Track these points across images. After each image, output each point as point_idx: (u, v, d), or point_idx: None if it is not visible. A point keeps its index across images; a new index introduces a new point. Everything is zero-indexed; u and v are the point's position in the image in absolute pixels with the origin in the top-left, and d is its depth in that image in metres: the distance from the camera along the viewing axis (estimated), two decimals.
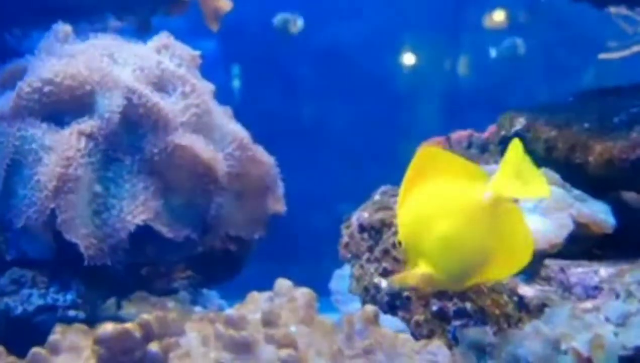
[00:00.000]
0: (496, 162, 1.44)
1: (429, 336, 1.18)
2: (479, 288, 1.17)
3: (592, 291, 1.16)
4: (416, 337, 1.15)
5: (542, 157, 1.38)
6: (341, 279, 1.48)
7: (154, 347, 0.92)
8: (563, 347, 1.02)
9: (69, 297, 1.23)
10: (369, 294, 1.33)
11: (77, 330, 1.06)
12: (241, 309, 1.07)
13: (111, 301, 1.32)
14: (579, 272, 1.19)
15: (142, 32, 1.67)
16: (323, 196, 2.80)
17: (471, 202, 0.96)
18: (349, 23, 3.08)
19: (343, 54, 3.03)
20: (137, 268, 1.37)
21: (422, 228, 1.00)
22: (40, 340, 1.02)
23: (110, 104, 1.23)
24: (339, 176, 2.93)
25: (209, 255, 1.40)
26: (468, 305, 1.18)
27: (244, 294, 1.13)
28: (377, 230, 1.39)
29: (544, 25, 2.99)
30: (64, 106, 1.25)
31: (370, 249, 1.39)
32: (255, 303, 1.09)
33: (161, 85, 1.31)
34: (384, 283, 1.30)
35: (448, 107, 3.07)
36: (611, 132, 1.31)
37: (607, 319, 1.05)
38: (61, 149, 1.19)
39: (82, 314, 1.22)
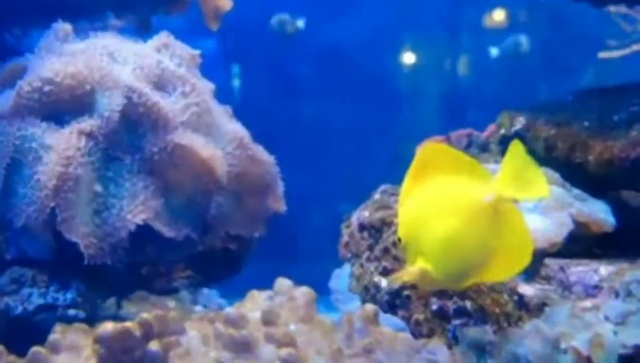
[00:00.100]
0: (496, 162, 1.44)
1: (429, 335, 1.18)
2: (479, 287, 1.18)
3: (592, 290, 1.16)
4: (416, 336, 1.15)
5: (542, 156, 1.38)
6: (341, 278, 1.48)
7: (154, 345, 0.92)
8: (563, 346, 1.02)
9: (69, 296, 1.23)
10: (369, 293, 1.33)
11: (77, 330, 1.06)
12: (241, 308, 1.07)
13: (111, 300, 1.32)
14: (579, 271, 1.19)
15: (142, 31, 1.67)
16: (323, 195, 2.80)
17: (472, 203, 0.96)
18: (349, 22, 3.08)
19: (343, 53, 3.03)
20: (137, 267, 1.37)
21: (422, 227, 1.00)
22: (41, 340, 1.02)
23: (110, 103, 1.23)
24: (339, 175, 2.93)
25: (209, 254, 1.40)
26: (468, 304, 1.18)
27: (244, 293, 1.13)
28: (377, 229, 1.39)
29: (544, 24, 2.99)
30: (64, 105, 1.25)
31: (371, 248, 1.39)
32: (255, 302, 1.09)
33: (161, 84, 1.31)
34: (384, 282, 1.29)
35: (448, 106, 3.07)
36: (611, 131, 1.31)
37: (607, 318, 1.05)
38: (61, 148, 1.19)
39: (82, 313, 1.22)
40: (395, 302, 1.26)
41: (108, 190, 1.22)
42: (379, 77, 3.04)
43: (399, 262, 1.28)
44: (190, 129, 1.27)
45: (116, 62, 1.32)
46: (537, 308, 1.16)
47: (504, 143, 1.51)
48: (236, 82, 3.10)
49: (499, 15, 3.07)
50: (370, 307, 1.05)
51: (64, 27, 1.36)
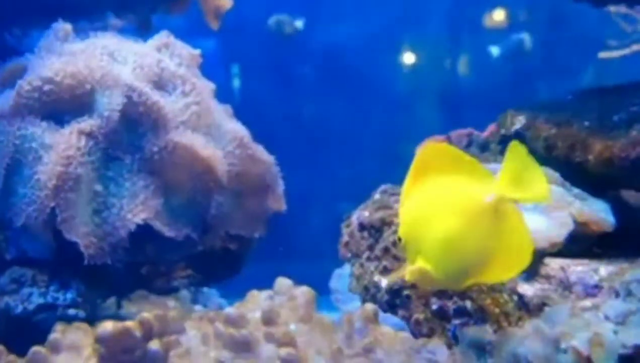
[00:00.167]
0: (496, 161, 1.44)
1: (429, 335, 1.18)
2: (479, 287, 1.18)
3: (592, 290, 1.16)
4: (416, 335, 1.15)
5: (542, 156, 1.38)
6: (341, 278, 1.48)
7: (154, 345, 0.92)
8: (563, 345, 1.02)
9: (69, 295, 1.23)
10: (369, 293, 1.33)
11: (78, 329, 1.06)
12: (241, 308, 1.07)
13: (111, 300, 1.32)
14: (579, 270, 1.19)
15: (143, 30, 1.67)
16: (323, 195, 2.80)
17: (473, 203, 0.96)
18: (349, 22, 3.08)
19: (343, 53, 3.03)
20: (137, 267, 1.37)
21: (422, 226, 1.00)
22: (41, 339, 1.02)
23: (110, 103, 1.23)
24: (339, 175, 2.93)
25: (209, 254, 1.40)
26: (468, 303, 1.18)
27: (244, 293, 1.13)
28: (377, 229, 1.39)
29: (544, 24, 2.99)
30: (64, 105, 1.25)
31: (371, 248, 1.39)
32: (255, 302, 1.09)
33: (161, 83, 1.31)
34: (384, 281, 1.29)
35: (448, 106, 3.06)
36: (611, 131, 1.31)
37: (607, 318, 1.05)
38: (61, 148, 1.19)
39: (82, 313, 1.22)
40: (395, 301, 1.26)
41: (108, 190, 1.22)
42: (379, 77, 3.04)
43: (399, 261, 1.28)
44: (190, 128, 1.27)
45: (116, 61, 1.32)
46: (537, 308, 1.16)
47: (504, 142, 1.51)
48: (236, 82, 3.10)
49: (499, 15, 3.07)
50: (370, 306, 1.05)
51: (64, 27, 1.37)
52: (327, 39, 3.04)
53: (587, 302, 1.11)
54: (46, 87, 1.24)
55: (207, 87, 1.38)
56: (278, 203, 1.42)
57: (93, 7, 1.62)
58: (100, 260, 1.19)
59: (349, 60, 3.03)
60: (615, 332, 1.01)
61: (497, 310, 1.17)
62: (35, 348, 0.99)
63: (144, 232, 1.22)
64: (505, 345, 1.06)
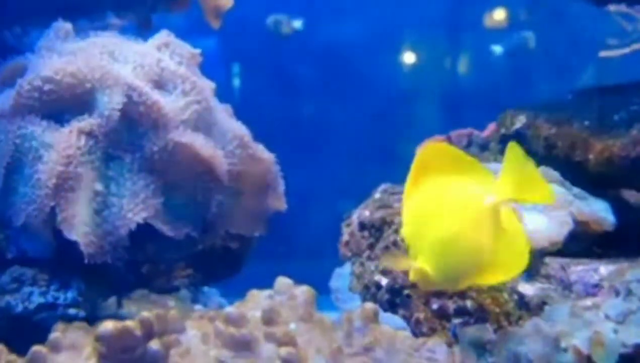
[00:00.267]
0: (496, 161, 1.44)
1: (430, 334, 1.18)
2: (479, 287, 1.18)
3: (592, 289, 1.16)
4: (416, 335, 1.15)
5: (542, 155, 1.38)
6: (341, 277, 1.48)
7: (154, 344, 0.92)
8: (563, 344, 1.02)
9: (70, 295, 1.23)
10: (369, 292, 1.33)
11: (78, 328, 1.06)
12: (241, 307, 1.07)
13: (112, 299, 1.32)
14: (579, 270, 1.19)
15: (143, 30, 1.67)
16: (323, 194, 2.80)
17: (473, 205, 0.96)
18: (350, 21, 3.08)
19: (344, 52, 3.03)
20: (137, 266, 1.37)
21: (423, 227, 1.01)
22: (41, 338, 1.02)
23: (111, 102, 1.23)
24: (339, 174, 2.93)
25: (209, 253, 1.40)
26: (468, 303, 1.18)
27: (245, 292, 1.13)
28: (377, 228, 1.39)
29: (544, 23, 2.99)
30: (64, 104, 1.25)
31: (371, 247, 1.39)
32: (255, 301, 1.09)
33: (161, 83, 1.31)
34: (384, 281, 1.30)
35: (448, 105, 3.07)
36: (611, 130, 1.31)
37: (607, 317, 1.05)
38: (61, 147, 1.19)
39: (82, 312, 1.22)
40: (395, 301, 1.26)
41: (108, 189, 1.22)
42: (380, 76, 3.04)
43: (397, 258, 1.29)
44: (190, 127, 1.27)
45: (116, 60, 1.32)
46: (537, 307, 1.16)
47: (504, 142, 1.50)
48: (237, 81, 3.10)
49: (499, 15, 3.07)
50: (370, 305, 1.05)
51: (64, 26, 1.37)
52: (328, 38, 3.04)
53: (588, 301, 1.11)
54: (46, 86, 1.24)
55: (207, 86, 1.38)
56: (278, 202, 1.42)
57: (93, 7, 1.62)
58: (100, 260, 1.19)
59: (350, 60, 3.03)
60: (616, 331, 1.01)
61: (497, 310, 1.17)
62: (36, 348, 0.99)
63: (144, 231, 1.22)
64: (506, 344, 1.06)
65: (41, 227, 1.19)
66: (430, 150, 1.02)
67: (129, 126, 1.25)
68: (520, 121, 1.46)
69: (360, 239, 1.42)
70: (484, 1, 3.05)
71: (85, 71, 1.26)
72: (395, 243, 1.33)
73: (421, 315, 1.21)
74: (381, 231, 1.38)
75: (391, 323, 1.14)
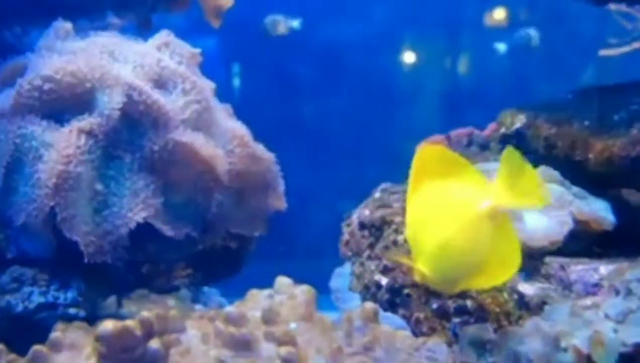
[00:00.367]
0: (496, 160, 1.44)
1: (430, 334, 1.18)
2: (475, 290, 1.18)
3: (592, 288, 1.16)
4: (416, 334, 1.15)
5: (542, 155, 1.38)
6: (341, 277, 1.48)
7: (154, 344, 0.92)
8: (563, 344, 1.02)
9: (70, 295, 1.23)
10: (369, 292, 1.33)
11: (78, 328, 1.06)
12: (241, 307, 1.07)
13: (112, 299, 1.32)
14: (579, 269, 1.19)
15: (143, 29, 1.67)
16: (323, 194, 2.80)
17: (468, 209, 0.98)
18: (350, 21, 3.08)
19: (344, 52, 3.03)
20: (137, 266, 1.37)
21: (422, 230, 1.03)
22: (41, 338, 1.02)
23: (111, 101, 1.23)
24: (339, 174, 2.93)
25: (209, 252, 1.40)
26: (468, 302, 1.18)
27: (245, 292, 1.13)
28: (377, 228, 1.39)
29: (544, 23, 2.99)
30: (64, 103, 1.25)
31: (371, 247, 1.39)
32: (256, 301, 1.09)
33: (161, 82, 1.31)
34: (384, 280, 1.30)
35: (448, 105, 3.07)
36: (611, 130, 1.31)
37: (607, 316, 1.05)
38: (61, 146, 1.19)
39: (82, 312, 1.22)
40: (395, 300, 1.26)
41: (108, 189, 1.22)
42: (380, 76, 3.04)
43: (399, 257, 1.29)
44: (190, 127, 1.27)
45: (116, 60, 1.32)
46: (537, 307, 1.16)
47: (504, 141, 1.51)
48: (237, 81, 3.10)
49: (499, 14, 3.07)
50: (370, 305, 1.05)
51: (64, 25, 1.36)
52: (328, 38, 3.04)
53: (587, 301, 1.11)
54: (46, 86, 1.24)
55: (207, 85, 1.38)
56: (279, 202, 1.42)
57: (93, 6, 1.62)
58: (100, 259, 1.19)
59: (350, 59, 3.03)
60: (616, 331, 1.01)
61: (497, 309, 1.17)
62: (36, 347, 0.99)
63: (145, 230, 1.22)
64: (506, 343, 1.06)
65: (41, 226, 1.19)
66: (428, 154, 1.03)
67: (129, 125, 1.25)
68: (520, 121, 1.46)
69: (361, 239, 1.42)
70: (484, 0, 3.05)
71: (85, 71, 1.26)
72: (395, 243, 1.33)
73: (421, 315, 1.22)
74: (381, 230, 1.38)
75: (391, 322, 1.14)
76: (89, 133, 1.22)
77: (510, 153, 0.96)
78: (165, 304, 1.33)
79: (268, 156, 1.40)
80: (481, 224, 0.96)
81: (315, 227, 2.48)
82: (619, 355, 0.99)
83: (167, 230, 1.25)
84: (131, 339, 0.91)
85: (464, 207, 0.98)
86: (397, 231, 1.35)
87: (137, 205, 1.21)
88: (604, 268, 1.17)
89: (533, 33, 2.94)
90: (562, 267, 1.20)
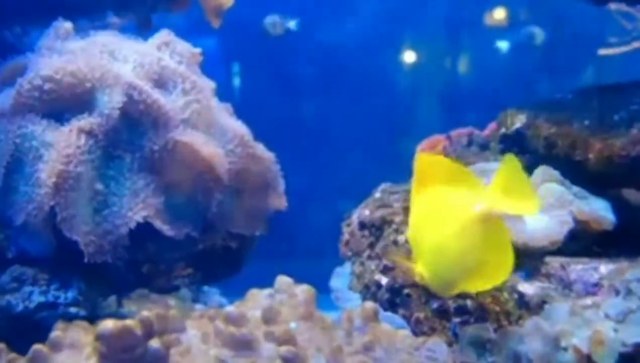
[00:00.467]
0: (496, 160, 1.44)
1: (430, 333, 1.18)
2: (469, 292, 1.18)
3: (592, 288, 1.16)
4: (417, 334, 1.15)
5: (542, 154, 1.38)
6: (342, 277, 1.48)
7: (154, 343, 0.92)
8: (563, 344, 1.02)
9: (70, 294, 1.23)
10: (369, 291, 1.33)
11: (78, 328, 1.06)
12: (241, 306, 1.07)
13: (112, 298, 1.32)
14: (579, 269, 1.19)
15: (143, 29, 1.67)
16: (324, 194, 2.80)
17: (462, 212, 0.99)
18: (350, 21, 3.08)
19: (344, 52, 3.03)
20: (137, 265, 1.37)
21: (420, 233, 1.06)
22: (42, 338, 1.02)
23: (111, 101, 1.23)
24: (339, 174, 2.93)
25: (209, 252, 1.40)
26: (468, 302, 1.18)
27: (245, 291, 1.13)
28: (377, 228, 1.39)
29: (544, 22, 2.99)
30: (64, 103, 1.25)
31: (371, 246, 1.39)
32: (256, 301, 1.09)
33: (161, 82, 1.31)
34: (384, 280, 1.30)
35: (449, 104, 3.07)
36: (611, 129, 1.31)
37: (607, 316, 1.05)
38: (61, 146, 1.19)
39: (83, 312, 1.22)
40: (395, 300, 1.27)
41: (108, 188, 1.22)
42: (380, 75, 3.04)
43: (399, 259, 1.29)
44: (190, 126, 1.27)
45: (116, 60, 1.32)
46: (537, 307, 1.16)
47: (504, 141, 1.51)
48: (237, 81, 3.10)
49: (499, 14, 3.07)
50: (370, 304, 1.05)
51: (64, 25, 1.37)
52: (329, 38, 3.04)
53: (588, 301, 1.11)
54: (46, 86, 1.24)
55: (207, 85, 1.38)
56: (279, 201, 1.42)
57: (93, 6, 1.62)
58: (100, 259, 1.19)
59: (351, 59, 3.03)
60: (616, 330, 1.01)
61: (497, 309, 1.17)
62: (37, 347, 0.99)
63: (145, 230, 1.22)
64: (506, 343, 1.06)
65: (41, 226, 1.19)
66: (430, 161, 1.05)
67: (129, 125, 1.25)
68: (520, 120, 1.46)
69: (361, 238, 1.42)
70: (484, 0, 3.05)
71: (85, 70, 1.26)
72: (395, 242, 1.33)
73: (421, 315, 1.22)
74: (381, 230, 1.38)
75: (391, 322, 1.14)
76: (89, 133, 1.22)
77: (510, 160, 0.97)
78: (165, 304, 1.33)
79: (268, 156, 1.40)
80: (474, 227, 0.98)
81: (315, 226, 2.48)
82: (619, 354, 0.99)
83: (167, 230, 1.25)
84: (131, 339, 0.91)
85: (459, 210, 1.00)
86: (397, 231, 1.35)
87: (137, 205, 1.21)
88: (604, 268, 1.17)
89: (537, 31, 2.94)
90: (562, 267, 1.20)
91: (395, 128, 2.91)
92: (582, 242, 1.26)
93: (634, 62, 1.76)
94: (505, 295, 1.19)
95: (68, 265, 1.23)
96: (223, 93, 1.46)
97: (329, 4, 3.03)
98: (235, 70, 3.09)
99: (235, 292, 1.27)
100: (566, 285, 1.19)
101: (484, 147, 1.62)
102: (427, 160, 1.07)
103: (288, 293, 1.07)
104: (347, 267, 1.47)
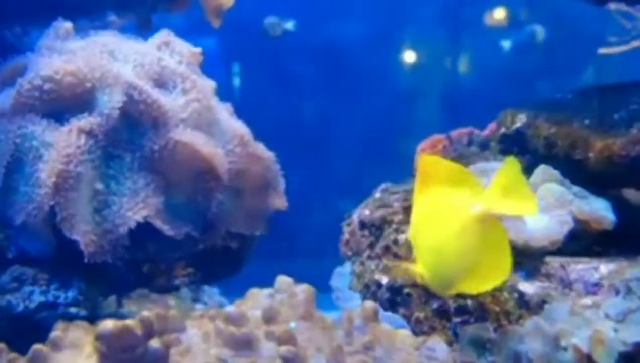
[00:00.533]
0: (496, 160, 1.44)
1: (430, 333, 1.18)
2: (467, 294, 1.18)
3: (592, 288, 1.16)
4: (417, 334, 1.15)
5: (542, 154, 1.38)
6: (342, 276, 1.48)
7: (155, 343, 0.92)
8: (563, 343, 1.02)
9: (70, 294, 1.23)
10: (369, 291, 1.33)
11: (78, 327, 1.07)
12: (241, 306, 1.07)
13: (112, 298, 1.32)
14: (579, 268, 1.19)
15: (143, 29, 1.67)
16: (324, 193, 2.80)
17: (460, 213, 0.99)
18: (351, 20, 3.08)
19: (344, 51, 3.03)
20: (138, 265, 1.37)
21: (421, 233, 1.06)
22: (42, 338, 1.02)
23: (111, 100, 1.23)
24: (340, 174, 2.94)
25: (209, 252, 1.39)
26: (469, 302, 1.18)
27: (245, 291, 1.13)
28: (378, 227, 1.39)
29: (544, 22, 2.99)
30: (64, 103, 1.25)
31: (371, 246, 1.39)
32: (256, 300, 1.09)
33: (161, 81, 1.31)
34: (384, 280, 1.30)
35: (449, 104, 3.07)
36: (611, 129, 1.31)
37: (607, 316, 1.05)
38: (61, 146, 1.19)
39: (83, 311, 1.22)
40: (396, 300, 1.27)
41: (108, 188, 1.22)
42: (380, 75, 3.04)
43: (400, 260, 1.29)
44: (190, 126, 1.27)
45: (116, 59, 1.32)
46: (537, 306, 1.16)
47: (504, 141, 1.51)
48: (237, 80, 3.10)
49: (499, 14, 3.07)
50: (370, 304, 1.05)
51: (64, 25, 1.37)
52: (329, 38, 3.04)
53: (588, 300, 1.11)
54: (46, 86, 1.24)
55: (207, 85, 1.38)
56: (279, 201, 1.42)
57: (93, 6, 1.62)
58: (100, 259, 1.19)
59: (351, 59, 3.03)
60: (616, 330, 1.01)
61: (497, 308, 1.17)
62: (37, 347, 0.99)
63: (145, 230, 1.22)
64: (506, 342, 1.06)
65: (41, 226, 1.19)
66: (427, 163, 1.06)
67: (129, 125, 1.25)
68: (520, 120, 1.46)
69: (361, 238, 1.42)
70: (484, 0, 3.05)
71: (85, 70, 1.26)
72: (395, 242, 1.33)
73: (421, 314, 1.22)
74: (381, 230, 1.38)
75: (391, 322, 1.14)
76: (89, 132, 1.22)
77: (511, 162, 0.97)
78: (165, 303, 1.33)
79: (268, 155, 1.40)
80: (472, 228, 0.98)
81: (315, 226, 2.48)
82: (619, 354, 0.99)
83: (168, 230, 1.25)
84: (131, 338, 0.91)
85: (458, 211, 1.00)
86: (397, 231, 1.35)
87: (137, 205, 1.21)
88: (604, 268, 1.18)
89: (538, 29, 2.94)
90: (563, 266, 1.20)
91: (395, 128, 2.92)
92: (582, 241, 1.26)
93: (634, 61, 1.76)
94: (506, 294, 1.19)
95: (68, 265, 1.23)
96: (223, 93, 1.46)
97: (329, 4, 3.03)
98: (235, 70, 3.09)
99: (236, 292, 1.27)
100: (566, 285, 1.19)
101: (484, 146, 1.62)
102: (429, 161, 1.07)
103: (288, 293, 1.07)
104: (347, 267, 1.47)
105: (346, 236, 1.48)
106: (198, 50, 1.43)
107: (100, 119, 1.23)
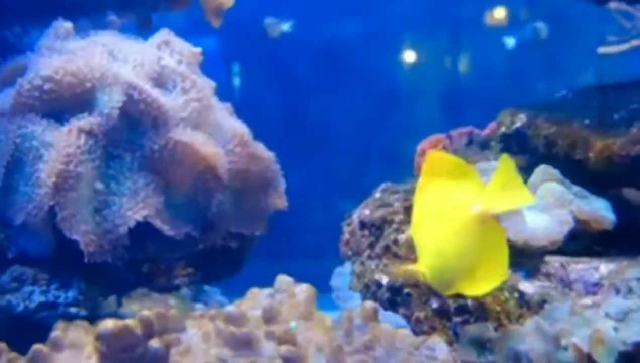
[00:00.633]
0: (496, 159, 1.44)
1: (430, 332, 1.18)
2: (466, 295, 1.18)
3: (592, 287, 1.16)
4: (417, 333, 1.15)
5: (542, 154, 1.38)
6: (342, 276, 1.48)
7: (155, 343, 0.92)
8: (563, 343, 1.02)
9: (70, 294, 1.23)
10: (369, 291, 1.33)
11: (79, 327, 1.06)
12: (241, 306, 1.07)
13: (112, 298, 1.32)
14: (579, 268, 1.19)
15: (143, 29, 1.67)
16: (324, 193, 2.80)
17: (460, 213, 0.99)
18: (350, 20, 3.08)
19: (344, 51, 3.03)
20: (138, 265, 1.37)
21: (422, 232, 1.06)
22: (42, 337, 1.02)
23: (110, 100, 1.23)
24: (340, 173, 2.94)
25: (210, 252, 1.40)
26: (469, 301, 1.18)
27: (245, 291, 1.13)
28: (378, 227, 1.39)
29: (544, 22, 2.99)
30: (64, 103, 1.25)
31: (371, 246, 1.39)
32: (256, 300, 1.09)
33: (161, 81, 1.31)
34: (384, 279, 1.30)
35: (449, 104, 3.07)
36: (611, 129, 1.31)
37: (607, 315, 1.05)
38: (61, 146, 1.19)
39: (83, 311, 1.22)
40: (396, 299, 1.27)
41: (108, 188, 1.22)
42: (380, 75, 3.04)
43: (400, 260, 1.29)
44: (190, 126, 1.27)
45: (116, 59, 1.32)
46: (537, 306, 1.16)
47: (504, 141, 1.51)
48: (237, 80, 3.10)
49: (499, 13, 3.07)
50: (370, 304, 1.05)
51: (64, 25, 1.37)
52: (329, 38, 3.04)
53: (588, 300, 1.11)
54: (46, 85, 1.24)
55: (207, 84, 1.38)
56: (279, 201, 1.42)
57: (93, 6, 1.62)
58: (100, 258, 1.19)
59: (351, 59, 3.03)
60: (616, 330, 1.01)
61: (497, 308, 1.17)
62: (37, 347, 0.99)
63: (145, 230, 1.22)
64: (506, 342, 1.06)
65: (41, 226, 1.19)
66: (437, 158, 1.05)
67: (129, 124, 1.25)
68: (520, 120, 1.46)
69: (361, 238, 1.42)
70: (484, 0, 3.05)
71: (85, 70, 1.26)
72: (395, 242, 1.33)
73: (421, 314, 1.22)
74: (381, 230, 1.38)
75: (391, 321, 1.14)
76: (89, 132, 1.22)
77: (505, 160, 0.97)
78: (165, 303, 1.33)
79: (268, 155, 1.40)
80: (471, 228, 0.98)
81: (315, 226, 2.48)
82: (619, 353, 0.99)
83: (168, 230, 1.25)
84: (131, 338, 0.90)
85: (458, 210, 1.00)
86: (398, 230, 1.35)
87: (137, 204, 1.21)
88: (604, 267, 1.17)
89: (541, 26, 2.94)
90: (563, 266, 1.20)
91: (396, 127, 2.92)
92: (582, 241, 1.26)
93: (633, 61, 1.76)
94: (506, 294, 1.19)
95: (68, 265, 1.23)
96: (223, 93, 1.46)
97: (329, 4, 3.03)
98: (235, 70, 3.09)
99: (236, 292, 1.27)
100: (566, 285, 1.19)
101: (484, 146, 1.62)
102: (436, 156, 1.07)
103: (288, 293, 1.07)
104: (347, 267, 1.47)
105: (346, 236, 1.48)
106: (198, 50, 1.43)
107: (100, 119, 1.23)
